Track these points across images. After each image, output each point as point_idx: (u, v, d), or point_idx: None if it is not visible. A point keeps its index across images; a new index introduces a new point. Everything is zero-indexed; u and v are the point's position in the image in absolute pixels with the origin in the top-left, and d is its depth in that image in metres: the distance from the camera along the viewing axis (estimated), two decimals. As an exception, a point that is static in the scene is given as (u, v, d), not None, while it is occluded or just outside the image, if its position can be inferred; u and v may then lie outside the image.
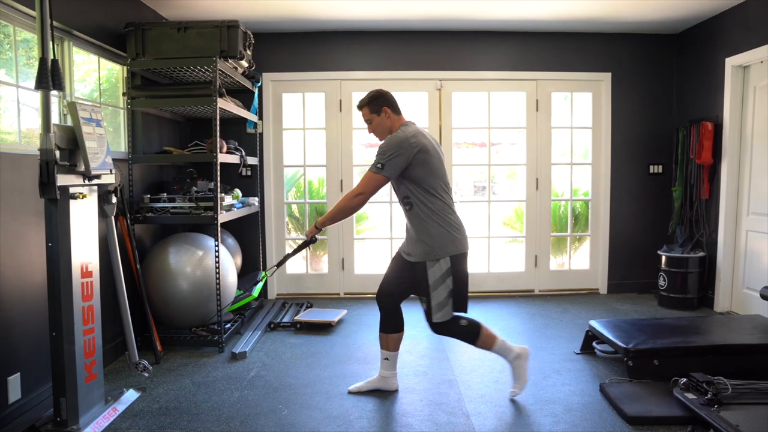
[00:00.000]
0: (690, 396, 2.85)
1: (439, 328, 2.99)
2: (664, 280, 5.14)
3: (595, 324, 3.80)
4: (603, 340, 3.66)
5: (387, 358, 3.23)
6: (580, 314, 4.93)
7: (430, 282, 2.90)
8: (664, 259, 5.16)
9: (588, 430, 2.78)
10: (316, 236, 3.15)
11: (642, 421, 2.81)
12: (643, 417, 2.83)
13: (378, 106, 3.03)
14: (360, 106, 3.10)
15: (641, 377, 3.30)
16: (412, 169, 2.88)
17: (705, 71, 5.14)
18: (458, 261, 2.93)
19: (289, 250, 5.85)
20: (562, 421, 2.87)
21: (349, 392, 3.25)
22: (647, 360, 3.31)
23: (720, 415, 2.61)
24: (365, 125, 2.98)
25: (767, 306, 4.19)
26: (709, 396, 2.77)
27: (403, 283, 3.11)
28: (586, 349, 3.91)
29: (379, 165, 2.87)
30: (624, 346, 3.36)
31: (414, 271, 2.99)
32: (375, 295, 3.20)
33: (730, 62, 4.75)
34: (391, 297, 3.15)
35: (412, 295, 3.12)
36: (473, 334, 3.03)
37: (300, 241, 3.68)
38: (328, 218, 3.04)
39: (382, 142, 2.96)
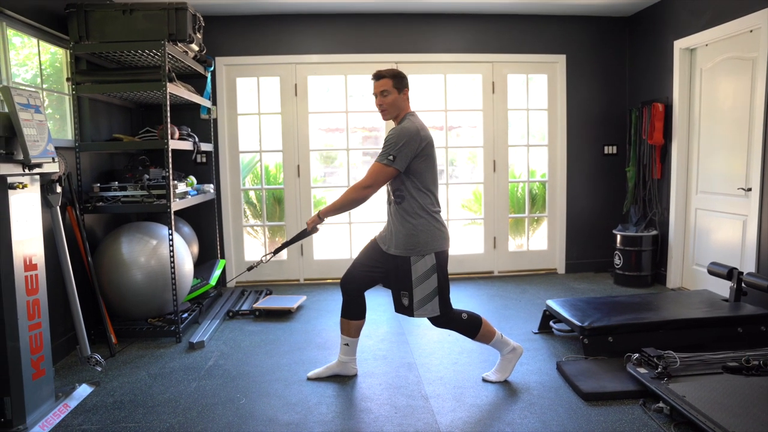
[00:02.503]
0: (642, 370, 2.94)
1: (439, 321, 2.99)
2: (620, 259, 5.27)
3: (552, 303, 3.87)
4: (560, 319, 3.73)
5: (347, 344, 3.21)
6: (538, 294, 5.02)
7: (413, 277, 2.88)
8: (619, 238, 5.28)
9: (545, 407, 2.83)
10: (318, 226, 3.07)
11: (597, 396, 2.88)
12: (597, 393, 2.90)
13: (402, 85, 2.93)
14: (380, 76, 2.93)
15: (596, 354, 3.38)
16: (416, 162, 2.82)
17: (655, 53, 5.24)
18: (442, 258, 2.92)
19: (248, 238, 5.77)
20: (519, 400, 2.92)
21: (308, 379, 3.24)
22: (602, 337, 3.39)
23: (669, 387, 2.70)
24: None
25: (715, 281, 4.35)
26: (659, 369, 2.85)
27: (372, 272, 3.08)
28: (544, 328, 3.98)
29: (391, 157, 2.78)
30: (580, 324, 3.43)
31: (393, 264, 2.95)
32: (337, 280, 3.17)
33: (678, 45, 4.86)
34: (357, 284, 3.11)
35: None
36: (474, 328, 3.04)
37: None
38: (331, 209, 2.97)
39: (391, 132, 2.85)
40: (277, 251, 3.24)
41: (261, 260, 3.28)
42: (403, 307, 2.96)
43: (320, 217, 3.02)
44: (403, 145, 2.78)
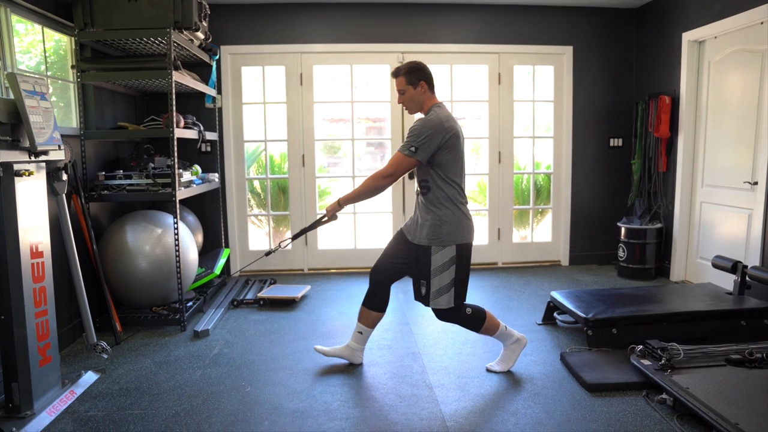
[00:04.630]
0: (645, 362, 2.94)
1: (444, 314, 2.99)
2: (624, 252, 5.26)
3: (556, 295, 3.87)
4: (564, 310, 3.74)
5: (361, 332, 3.22)
6: (542, 286, 5.02)
7: (432, 267, 2.88)
8: (623, 230, 5.28)
9: (548, 398, 2.84)
10: (337, 214, 3.09)
11: (600, 387, 2.89)
12: (601, 384, 2.91)
13: (416, 78, 2.92)
14: (396, 74, 2.96)
15: (600, 346, 3.39)
16: (440, 154, 2.82)
17: (663, 46, 5.21)
18: (464, 250, 2.91)
19: (252, 228, 5.77)
20: (523, 391, 2.93)
21: (315, 349, 3.32)
22: (606, 329, 3.40)
23: (672, 379, 2.71)
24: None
25: (719, 274, 4.34)
26: (663, 361, 2.86)
27: (399, 264, 3.09)
28: (548, 319, 3.99)
29: (413, 148, 2.79)
30: (584, 315, 3.44)
31: (416, 254, 2.96)
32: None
33: (687, 37, 4.82)
34: (385, 275, 3.12)
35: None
36: (478, 322, 3.04)
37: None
38: (351, 197, 2.99)
39: (415, 123, 2.86)
40: (295, 237, 3.27)
41: (279, 246, 3.33)
42: (421, 296, 2.97)
43: (340, 205, 3.02)
44: (426, 137, 2.78)
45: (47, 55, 3.79)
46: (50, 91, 3.84)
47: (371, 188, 2.92)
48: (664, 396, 2.68)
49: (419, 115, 2.99)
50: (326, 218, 3.11)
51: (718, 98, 4.64)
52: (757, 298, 3.74)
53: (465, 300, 2.99)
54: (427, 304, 2.95)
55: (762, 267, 3.89)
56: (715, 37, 4.60)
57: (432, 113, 2.89)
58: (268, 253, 3.35)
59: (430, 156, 2.82)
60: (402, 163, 2.84)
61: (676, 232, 5.08)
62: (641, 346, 3.05)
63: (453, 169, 2.87)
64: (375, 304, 3.16)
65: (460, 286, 2.93)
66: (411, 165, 2.85)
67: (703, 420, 2.43)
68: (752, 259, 4.12)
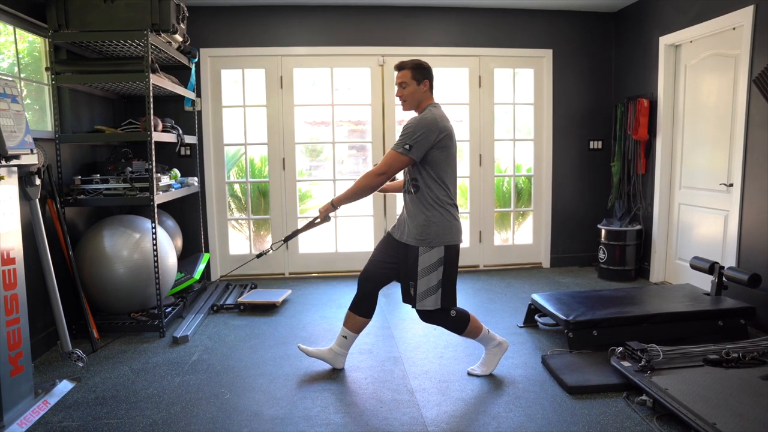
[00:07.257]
0: (625, 364, 2.96)
1: (428, 316, 2.97)
2: (604, 253, 5.30)
3: (537, 297, 3.88)
4: (545, 313, 3.75)
5: (345, 337, 3.20)
6: (523, 288, 5.04)
7: (419, 268, 2.87)
8: (603, 232, 5.32)
9: (530, 400, 2.85)
10: (330, 215, 3.06)
11: (581, 390, 2.90)
12: (582, 386, 2.92)
13: (422, 76, 2.91)
14: (400, 67, 2.93)
15: (581, 348, 3.40)
16: (433, 153, 2.81)
17: (641, 49, 5.27)
18: (452, 252, 2.90)
19: (233, 232, 5.72)
20: (504, 394, 2.93)
21: (298, 347, 3.31)
22: (587, 331, 3.42)
23: (651, 380, 2.73)
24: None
25: (697, 275, 4.40)
26: (642, 363, 2.88)
27: (387, 268, 3.06)
28: (529, 322, 4.00)
29: (407, 146, 2.77)
30: (564, 318, 3.45)
31: (404, 254, 2.94)
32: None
33: (664, 41, 4.88)
34: (373, 282, 3.10)
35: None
36: (462, 325, 3.03)
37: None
38: (345, 197, 2.96)
39: (409, 121, 2.85)
40: (287, 239, 3.26)
41: (270, 248, 3.30)
42: (409, 297, 2.96)
43: (333, 206, 3.00)
44: (420, 135, 2.77)
45: (21, 56, 3.71)
46: (24, 93, 3.77)
47: (364, 186, 2.91)
48: (643, 397, 2.69)
49: (412, 113, 2.98)
50: (319, 219, 3.09)
51: (694, 101, 4.71)
52: (733, 298, 3.79)
53: (455, 303, 2.98)
54: (413, 305, 2.94)
55: (738, 268, 3.94)
56: (691, 42, 4.66)
57: (427, 112, 2.88)
58: (259, 255, 3.33)
59: (424, 154, 2.81)
60: (395, 161, 2.82)
61: (655, 234, 5.14)
62: (621, 348, 3.07)
63: (444, 170, 2.86)
64: (362, 309, 3.14)
65: (447, 288, 2.91)
66: (405, 163, 2.83)
67: (682, 420, 2.45)
68: (729, 260, 4.17)
